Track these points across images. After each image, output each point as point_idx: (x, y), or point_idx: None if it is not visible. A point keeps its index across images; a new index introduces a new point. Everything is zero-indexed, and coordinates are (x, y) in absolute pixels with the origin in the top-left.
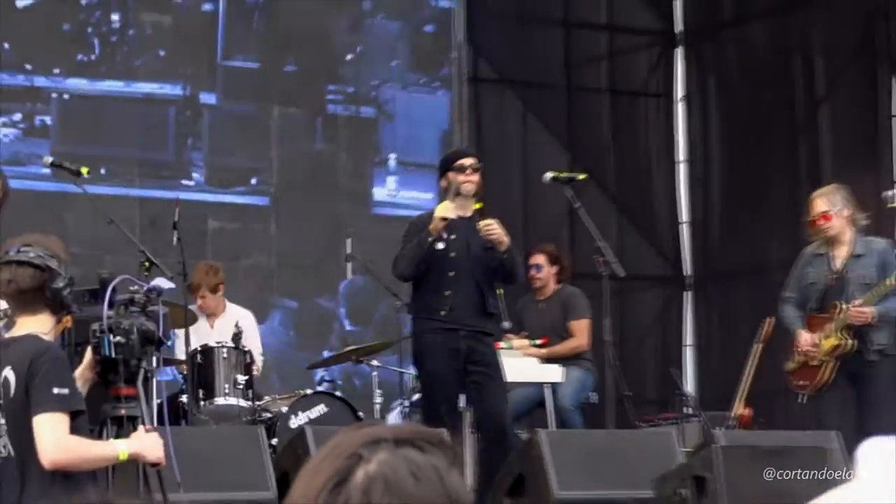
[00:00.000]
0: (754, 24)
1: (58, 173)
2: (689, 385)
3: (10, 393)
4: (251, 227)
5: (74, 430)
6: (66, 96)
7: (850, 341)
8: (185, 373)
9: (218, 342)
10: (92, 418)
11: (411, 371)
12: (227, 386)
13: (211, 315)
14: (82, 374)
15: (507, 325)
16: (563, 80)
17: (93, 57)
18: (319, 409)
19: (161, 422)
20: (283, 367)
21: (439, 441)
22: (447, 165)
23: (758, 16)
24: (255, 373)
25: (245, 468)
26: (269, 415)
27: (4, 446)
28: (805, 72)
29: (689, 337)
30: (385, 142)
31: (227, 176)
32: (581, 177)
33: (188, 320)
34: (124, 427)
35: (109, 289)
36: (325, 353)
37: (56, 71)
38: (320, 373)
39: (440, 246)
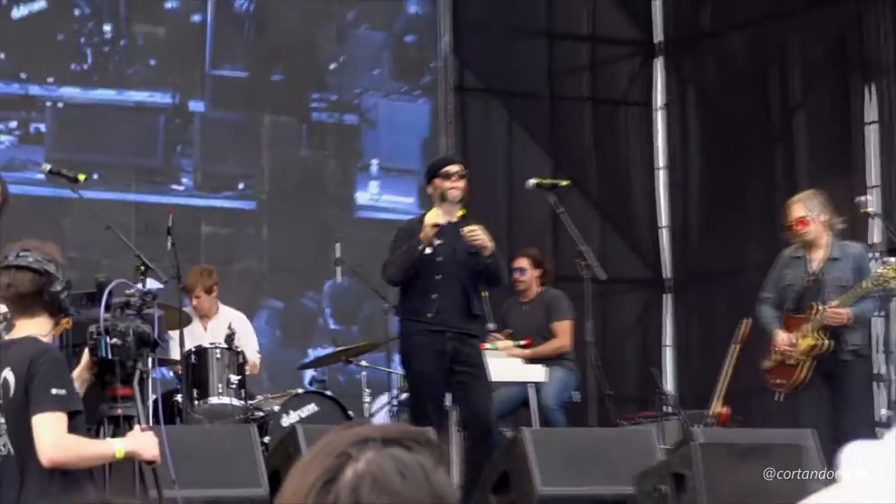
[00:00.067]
0: (731, 35)
1: (53, 179)
2: (669, 384)
3: (9, 393)
4: (243, 231)
5: (72, 429)
6: (60, 104)
7: (825, 341)
8: (179, 373)
9: (211, 343)
10: (89, 418)
11: (398, 370)
12: (220, 386)
13: (204, 316)
14: (80, 374)
15: (491, 326)
16: (546, 90)
17: (86, 66)
18: (310, 408)
19: (156, 421)
20: (272, 366)
21: (426, 440)
22: (434, 172)
23: (735, 27)
24: (254, 371)
25: (238, 465)
26: (261, 413)
27: (4, 445)
28: (780, 81)
29: (668, 337)
30: (368, 148)
31: (215, 181)
32: (564, 183)
33: (182, 322)
34: (121, 426)
35: (106, 292)
36: (310, 352)
37: (50, 80)
38: (310, 371)
39: (427, 250)
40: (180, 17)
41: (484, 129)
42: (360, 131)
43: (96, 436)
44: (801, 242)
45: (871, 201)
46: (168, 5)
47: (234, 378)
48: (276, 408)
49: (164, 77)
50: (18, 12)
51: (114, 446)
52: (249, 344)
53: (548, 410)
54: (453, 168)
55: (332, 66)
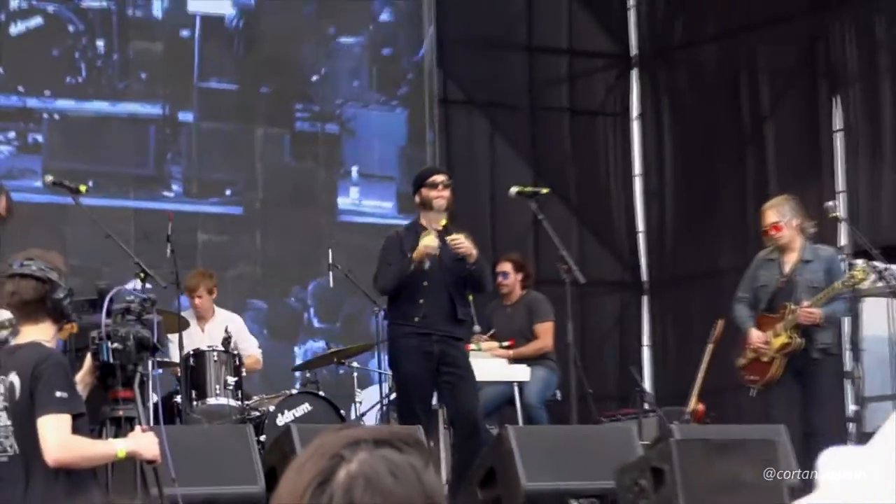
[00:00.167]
0: (703, 48)
1: (55, 189)
2: (647, 383)
3: (15, 396)
4: (236, 238)
5: (76, 430)
6: (56, 116)
7: (798, 340)
8: (178, 375)
9: (209, 346)
10: (92, 419)
11: (374, 368)
12: (217, 387)
13: (202, 319)
14: (83, 378)
15: (477, 328)
16: (526, 101)
17: (80, 80)
18: (304, 408)
19: (157, 421)
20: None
21: (415, 441)
22: (420, 182)
23: (706, 40)
24: (256, 366)
25: (235, 464)
26: (257, 413)
27: (11, 446)
28: (751, 91)
29: (646, 338)
30: (348, 156)
31: (203, 188)
32: (544, 191)
33: (180, 326)
34: (122, 427)
35: (107, 299)
36: (296, 349)
37: (47, 93)
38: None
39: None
40: (170, 33)
41: (467, 140)
42: (341, 140)
43: (99, 436)
44: (776, 245)
45: (838, 206)
46: (158, 22)
47: (231, 379)
48: (272, 408)
49: (155, 89)
50: (16, 29)
51: (116, 446)
52: (249, 342)
53: (531, 408)
54: (439, 178)
55: (314, 79)
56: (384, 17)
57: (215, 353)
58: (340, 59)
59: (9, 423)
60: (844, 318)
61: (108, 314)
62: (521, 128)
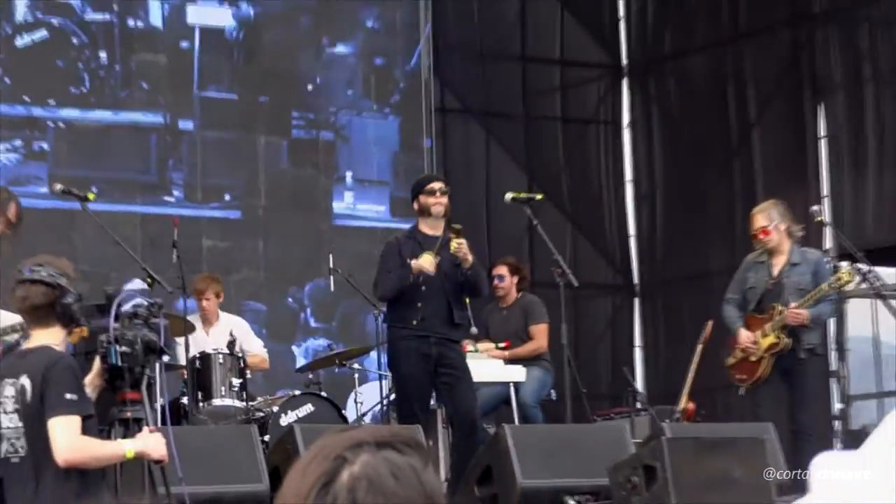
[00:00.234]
0: (691, 58)
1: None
2: (639, 382)
3: (26, 398)
4: (241, 243)
5: (85, 431)
6: (61, 124)
7: (785, 340)
8: (185, 377)
9: (214, 349)
10: (101, 420)
11: (370, 367)
12: (223, 388)
13: (207, 323)
14: (92, 381)
15: (474, 330)
16: (521, 110)
17: (84, 90)
18: (307, 409)
19: (164, 422)
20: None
21: (415, 443)
22: (419, 189)
23: (694, 50)
24: (263, 365)
25: (240, 463)
26: (261, 414)
27: (22, 447)
28: (738, 99)
29: (638, 339)
30: (343, 162)
31: (202, 194)
32: (538, 197)
33: (186, 330)
34: (130, 428)
35: (115, 303)
36: (294, 348)
37: (52, 102)
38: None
39: (413, 263)
40: (170, 44)
41: (464, 147)
42: (335, 146)
43: (108, 437)
44: (764, 249)
45: (823, 210)
46: (158, 34)
47: (236, 381)
48: (275, 408)
49: (156, 99)
50: (22, 41)
51: (124, 447)
52: (254, 343)
53: (527, 408)
54: (436, 185)
55: (310, 88)
56: (376, 28)
57: (221, 356)
58: (335, 69)
59: (20, 424)
60: (830, 319)
61: (117, 318)
62: (516, 136)
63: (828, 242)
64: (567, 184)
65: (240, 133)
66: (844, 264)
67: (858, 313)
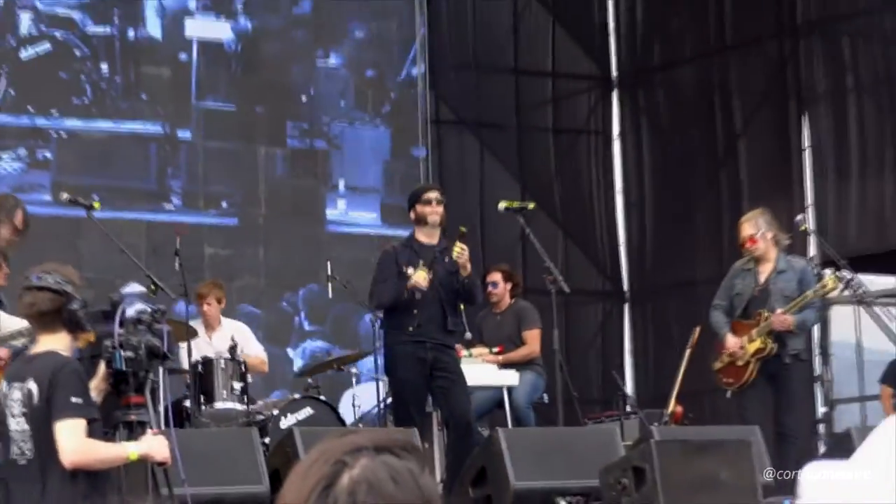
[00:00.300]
0: (679, 70)
1: (58, 200)
2: (629, 386)
3: (33, 402)
4: (241, 251)
5: (90, 434)
6: (63, 134)
7: (771, 345)
8: (188, 381)
9: (216, 354)
10: (106, 423)
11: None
12: (224, 392)
13: (209, 328)
14: (97, 385)
15: (468, 336)
16: (513, 121)
17: (86, 100)
18: (306, 412)
19: (167, 425)
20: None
21: (412, 447)
22: (415, 199)
23: (682, 62)
24: (263, 367)
25: (241, 465)
26: (261, 417)
27: (29, 449)
28: (724, 110)
29: (627, 344)
30: (335, 170)
31: (201, 201)
32: (531, 206)
33: (189, 335)
34: (134, 431)
35: (119, 310)
36: (289, 350)
37: (55, 113)
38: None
39: (410, 271)
40: (169, 57)
41: (458, 158)
42: (328, 155)
43: (112, 440)
44: (752, 256)
45: (808, 219)
46: (158, 47)
47: (238, 385)
48: (276, 412)
49: (156, 109)
50: (26, 53)
51: (128, 449)
52: (254, 347)
53: (520, 411)
54: (432, 195)
55: (304, 99)
56: (368, 42)
57: (222, 361)
58: (328, 81)
59: (27, 427)
60: (814, 325)
61: (121, 324)
62: (509, 146)
63: (812, 250)
64: (559, 193)
65: (237, 142)
66: (828, 272)
67: (842, 319)
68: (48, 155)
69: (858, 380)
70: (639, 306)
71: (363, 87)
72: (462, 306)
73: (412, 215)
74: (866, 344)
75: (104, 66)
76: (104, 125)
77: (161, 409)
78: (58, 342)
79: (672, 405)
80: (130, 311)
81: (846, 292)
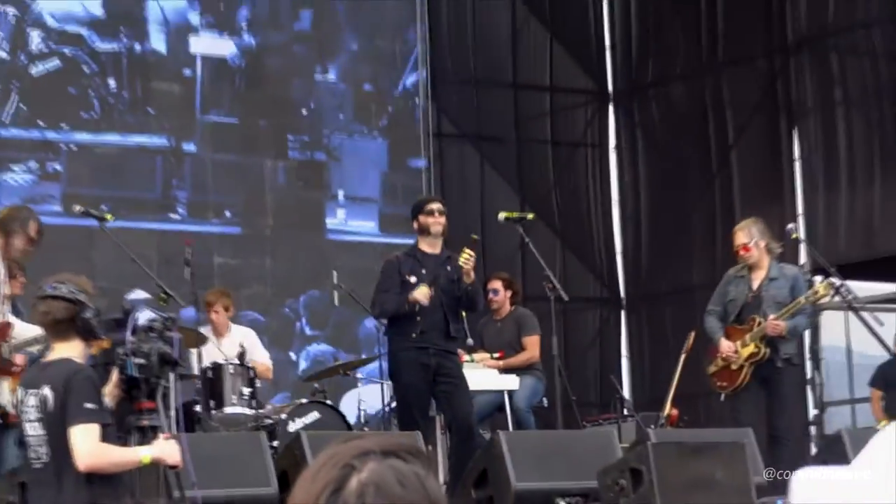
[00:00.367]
0: (673, 85)
1: (68, 210)
2: (626, 390)
3: (48, 408)
4: (248, 260)
5: (104, 438)
6: (73, 147)
7: (764, 349)
8: (198, 386)
9: (226, 359)
10: (119, 428)
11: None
12: (234, 397)
13: (218, 334)
14: (111, 391)
15: (470, 342)
16: (513, 134)
17: (94, 115)
18: (313, 416)
19: (178, 429)
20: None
21: (418, 451)
22: (418, 210)
23: (676, 77)
24: (267, 374)
25: (250, 467)
26: (270, 421)
27: (46, 453)
28: (717, 123)
29: (624, 349)
30: (335, 180)
31: (205, 211)
32: (530, 216)
33: (199, 342)
34: (147, 435)
35: (131, 318)
36: (291, 354)
37: (65, 126)
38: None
39: (413, 280)
40: (174, 73)
41: (459, 170)
42: (328, 166)
43: (125, 444)
44: (745, 264)
45: (798, 228)
46: (164, 63)
47: (246, 390)
48: (283, 416)
49: (161, 123)
50: (37, 69)
51: (141, 453)
52: (261, 354)
53: (520, 414)
54: (435, 206)
55: (304, 112)
56: (365, 57)
57: (231, 366)
58: (328, 95)
59: (42, 432)
60: (805, 330)
61: (133, 332)
62: (509, 158)
63: (802, 258)
64: (557, 204)
65: (240, 154)
66: (818, 279)
67: (832, 325)
68: (58, 167)
69: (848, 383)
70: (635, 313)
71: (361, 100)
72: (464, 313)
73: (415, 225)
74: (856, 348)
75: (112, 82)
76: (112, 138)
77: (172, 413)
78: (72, 349)
79: (668, 408)
80: (142, 320)
81: (836, 298)
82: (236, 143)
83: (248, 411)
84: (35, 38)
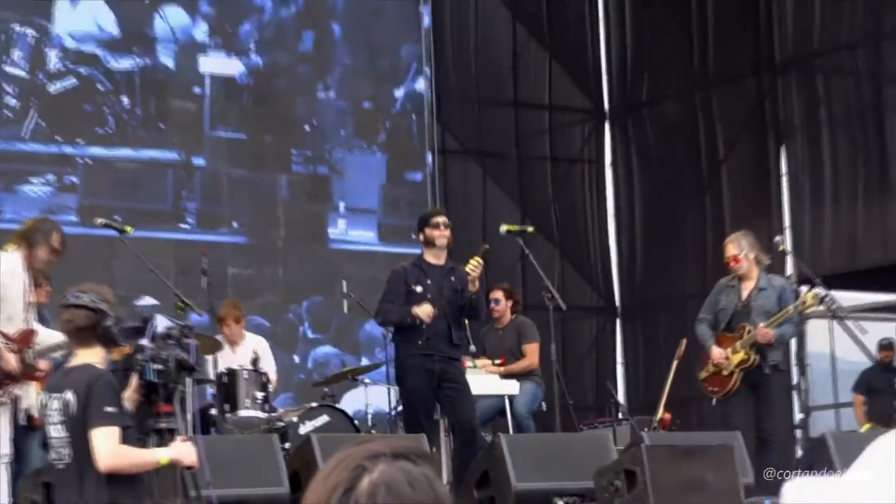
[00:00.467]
0: (666, 104)
1: (84, 221)
2: (621, 395)
3: (70, 411)
4: (263, 271)
5: (124, 440)
6: (88, 161)
7: (754, 356)
8: (213, 390)
9: (240, 365)
10: (138, 430)
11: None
12: (247, 401)
13: (233, 343)
14: (130, 395)
15: (473, 349)
16: (513, 151)
17: (109, 130)
18: (323, 419)
19: (195, 432)
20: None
21: (425, 454)
22: (424, 223)
23: (669, 97)
24: (271, 388)
25: (263, 469)
26: (282, 424)
27: (68, 454)
28: (708, 140)
29: (619, 356)
30: (336, 193)
31: (212, 222)
32: (530, 229)
33: (215, 348)
34: (164, 437)
35: (150, 326)
36: (295, 357)
37: (80, 141)
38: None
39: (419, 290)
40: (184, 90)
41: (463, 184)
42: (330, 179)
43: (144, 446)
44: (735, 275)
45: (785, 240)
46: (174, 82)
47: (259, 394)
48: (295, 419)
49: (172, 138)
50: (54, 87)
51: (159, 454)
52: (269, 364)
53: (520, 418)
54: (440, 219)
55: (307, 129)
56: (365, 76)
57: (245, 372)
58: (330, 112)
59: (65, 434)
60: (792, 339)
61: (152, 339)
62: (510, 174)
63: (789, 269)
64: (556, 217)
65: (246, 168)
66: (804, 289)
67: (817, 333)
68: (74, 180)
69: (833, 388)
70: (629, 321)
71: (361, 117)
72: (467, 322)
73: (421, 237)
74: (840, 355)
75: (125, 99)
76: (125, 153)
77: (189, 417)
78: (93, 356)
79: (661, 412)
80: (161, 327)
81: (821, 308)
82: (243, 157)
83: (261, 415)
84: (53, 59)
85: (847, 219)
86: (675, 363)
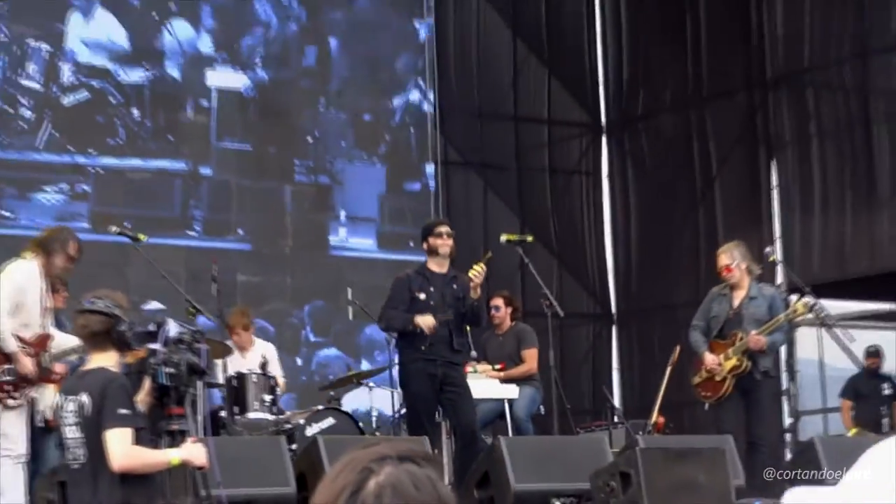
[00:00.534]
0: (661, 117)
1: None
2: (616, 399)
3: (85, 413)
4: (271, 279)
5: (137, 441)
6: (100, 170)
7: (746, 363)
8: (223, 393)
9: (249, 369)
10: (151, 432)
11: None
12: (256, 404)
13: (242, 348)
14: (143, 398)
15: (474, 354)
16: (514, 163)
17: (120, 141)
18: (329, 421)
19: (205, 433)
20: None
21: (431, 457)
22: (428, 232)
23: (664, 111)
24: (279, 392)
25: (271, 469)
26: (289, 426)
27: (83, 454)
28: (701, 153)
29: (615, 361)
30: (337, 202)
31: (218, 229)
32: (529, 238)
33: (225, 353)
34: (176, 439)
35: (163, 331)
36: (298, 360)
37: (92, 151)
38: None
39: (422, 297)
40: (192, 103)
41: (465, 195)
42: (331, 189)
43: (156, 447)
44: (728, 284)
45: (776, 251)
46: (182, 95)
47: (268, 398)
48: (302, 421)
49: (180, 149)
50: (68, 100)
51: (170, 455)
52: (276, 370)
53: (519, 421)
54: (443, 229)
55: (310, 140)
56: (366, 90)
57: (254, 376)
58: (331, 125)
59: (80, 435)
60: (782, 346)
61: (165, 344)
62: (510, 185)
63: (780, 278)
64: (554, 227)
65: (251, 178)
66: (794, 297)
67: (806, 340)
68: (87, 188)
69: (821, 394)
70: (625, 328)
71: (362, 129)
72: (468, 328)
73: (425, 246)
74: (828, 362)
75: (136, 112)
76: (135, 163)
77: (200, 419)
78: (107, 359)
79: (655, 416)
80: (173, 332)
81: (810, 315)
82: (248, 167)
83: (269, 417)
84: (66, 72)
85: (836, 229)
86: (668, 369)
